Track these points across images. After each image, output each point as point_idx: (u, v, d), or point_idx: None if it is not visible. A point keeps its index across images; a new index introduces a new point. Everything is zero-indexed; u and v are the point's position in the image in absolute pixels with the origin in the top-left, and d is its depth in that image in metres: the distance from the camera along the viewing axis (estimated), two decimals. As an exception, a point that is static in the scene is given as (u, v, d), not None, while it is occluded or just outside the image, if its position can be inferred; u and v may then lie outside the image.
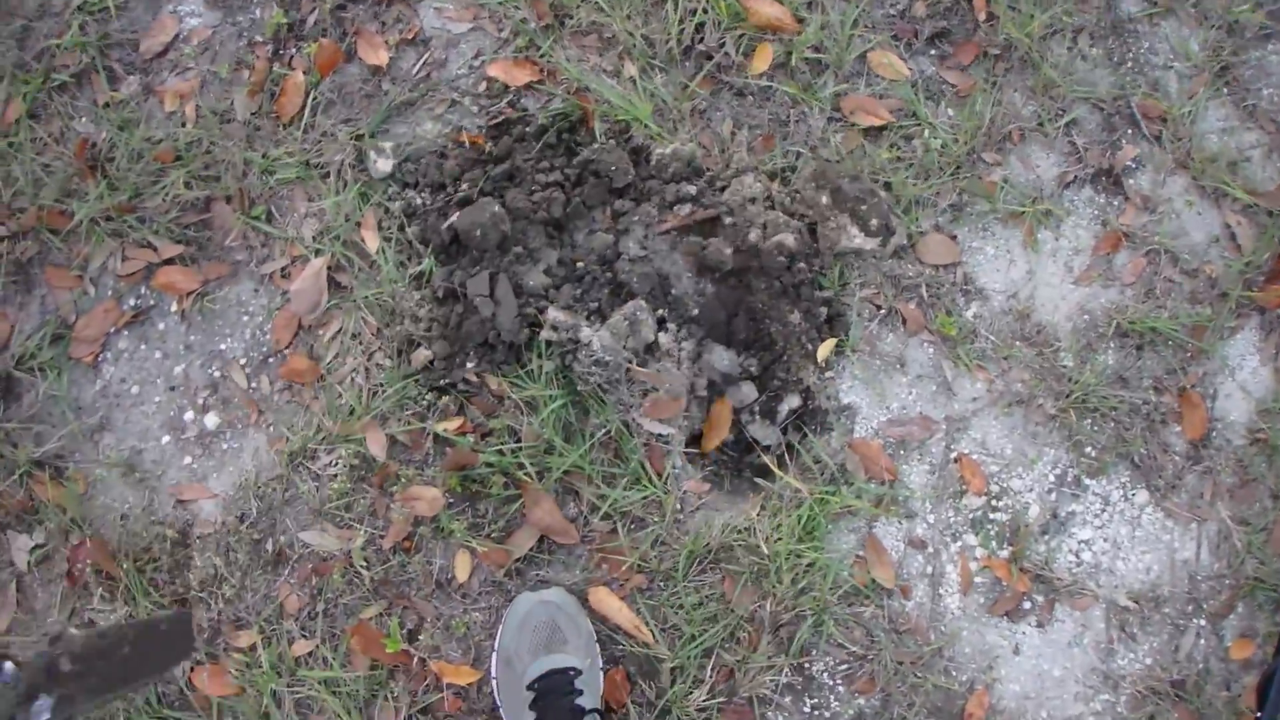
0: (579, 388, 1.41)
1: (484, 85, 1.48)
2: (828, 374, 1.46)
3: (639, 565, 1.43)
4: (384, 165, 1.44)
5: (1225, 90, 1.58)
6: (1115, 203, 1.54)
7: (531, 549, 1.43)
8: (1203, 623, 1.48)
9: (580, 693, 1.33)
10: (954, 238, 1.49)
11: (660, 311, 1.43)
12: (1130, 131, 1.55)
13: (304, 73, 1.49)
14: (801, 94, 1.51)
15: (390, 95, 1.49)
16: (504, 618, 1.40)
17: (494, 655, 1.40)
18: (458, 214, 1.40)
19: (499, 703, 1.40)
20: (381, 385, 1.43)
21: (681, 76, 1.50)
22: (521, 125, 1.46)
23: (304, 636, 1.43)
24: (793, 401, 1.47)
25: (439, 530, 1.43)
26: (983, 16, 1.53)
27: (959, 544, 1.46)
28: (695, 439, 1.50)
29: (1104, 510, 1.48)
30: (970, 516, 1.47)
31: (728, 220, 1.43)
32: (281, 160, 1.47)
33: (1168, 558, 1.48)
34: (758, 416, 1.48)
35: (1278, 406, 1.51)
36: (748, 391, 1.48)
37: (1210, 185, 1.54)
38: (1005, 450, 1.47)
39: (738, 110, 1.52)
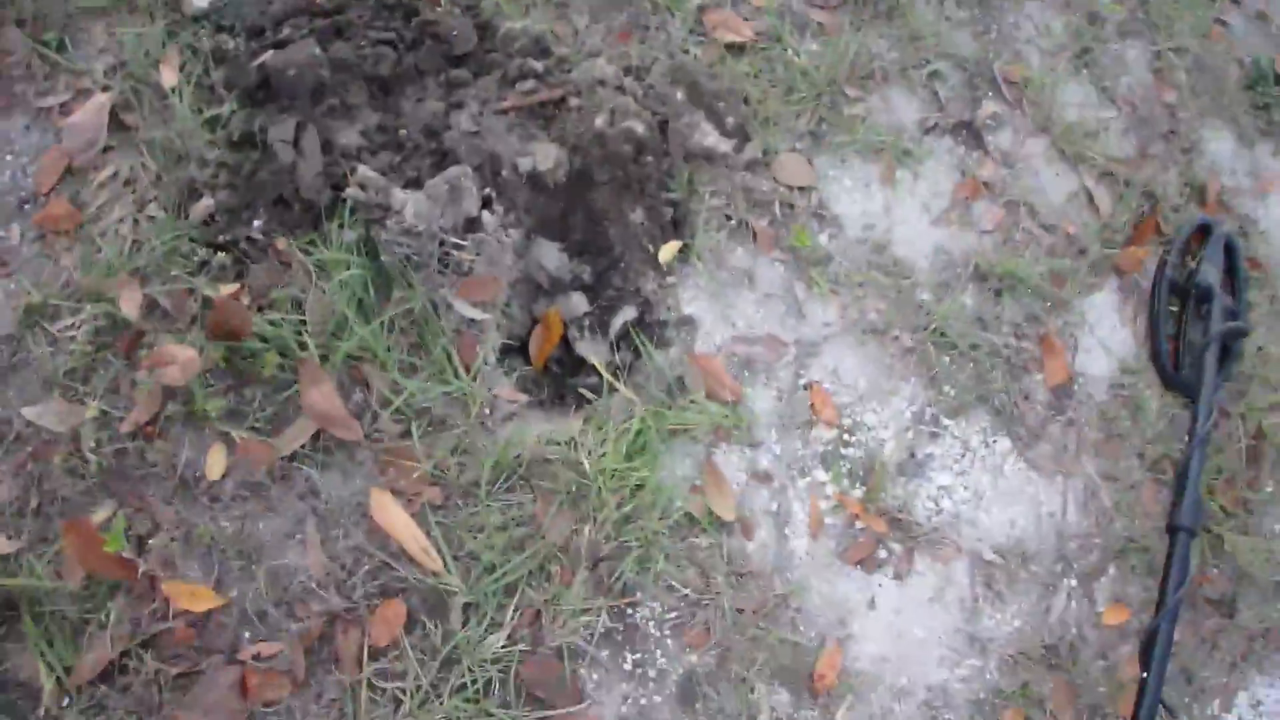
0: (383, 259, 1.24)
1: (326, -52, 1.41)
2: (669, 279, 1.34)
3: (434, 475, 1.22)
4: (200, 0, 1.32)
5: (1085, 71, 1.63)
6: (974, 155, 1.53)
7: (304, 446, 1.22)
8: (1074, 584, 1.34)
9: None
10: (810, 162, 1.45)
11: (487, 190, 1.31)
12: (991, 93, 1.57)
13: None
14: (665, 0, 1.49)
15: (221, -59, 1.40)
16: None
17: None
18: (271, 53, 1.28)
19: None
20: (150, 239, 1.25)
21: (540, -35, 1.47)
22: (359, -13, 1.39)
23: (7, 536, 1.16)
24: (628, 313, 1.34)
25: (192, 413, 1.20)
26: (850, -37, 1.57)
27: (808, 479, 1.31)
28: (514, 349, 1.35)
29: (964, 455, 1.36)
30: (820, 450, 1.33)
31: (573, 102, 1.34)
32: (86, -13, 1.34)
33: (1033, 511, 1.36)
34: (588, 332, 1.35)
35: (1139, 365, 1.47)
36: (578, 302, 1.34)
37: (1070, 149, 1.55)
38: (859, 382, 1.36)
39: (596, 6, 1.48)
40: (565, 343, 1.33)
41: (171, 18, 1.33)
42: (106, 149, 1.27)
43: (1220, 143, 1.67)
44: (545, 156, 1.31)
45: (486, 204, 1.27)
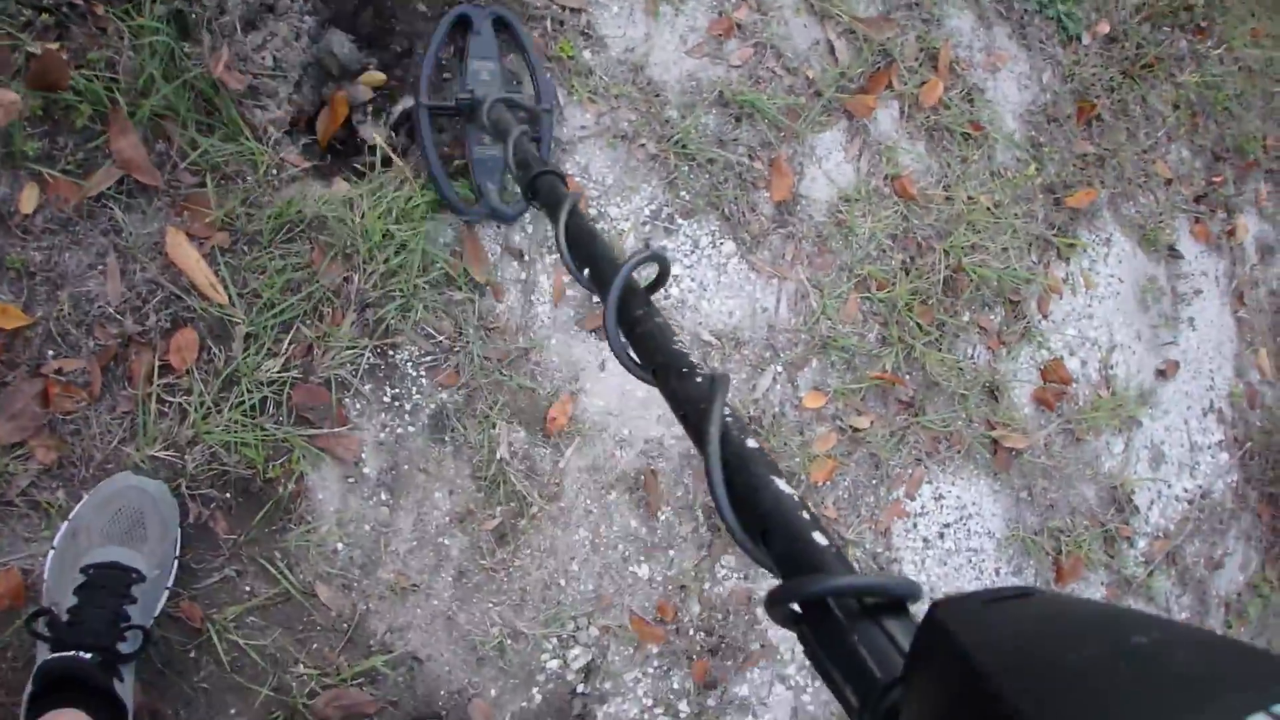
0: (191, 21, 1.63)
1: None
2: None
3: (224, 221, 1.62)
4: None
5: (839, -64, 2.13)
6: (732, 1, 2.01)
7: (110, 188, 1.59)
8: (779, 369, 1.85)
9: (133, 600, 1.30)
10: (583, -11, 1.89)
11: (287, -18, 1.70)
12: (753, -51, 2.04)
13: None
14: None
15: None
16: (93, 489, 1.40)
17: (65, 524, 1.38)
18: None
19: (47, 572, 1.40)
20: (-29, -4, 1.59)
21: None
22: None
23: None
24: (407, 102, 1.76)
25: (10, 154, 1.57)
26: None
27: (554, 257, 1.77)
28: (304, 127, 1.75)
29: (694, 251, 1.84)
30: (569, 234, 1.79)
31: (367, -88, 1.75)
32: None
33: (749, 305, 1.86)
34: (370, 117, 1.76)
35: (857, 196, 1.97)
36: (362, 91, 1.75)
37: (819, 5, 2.03)
38: (607, 179, 1.82)
39: None
40: (350, 126, 1.73)
41: None
42: (-71, -89, 1.59)
43: (961, 20, 2.19)
44: (340, -42, 1.69)
45: (282, -9, 1.65)
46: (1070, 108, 2.31)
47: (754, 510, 0.57)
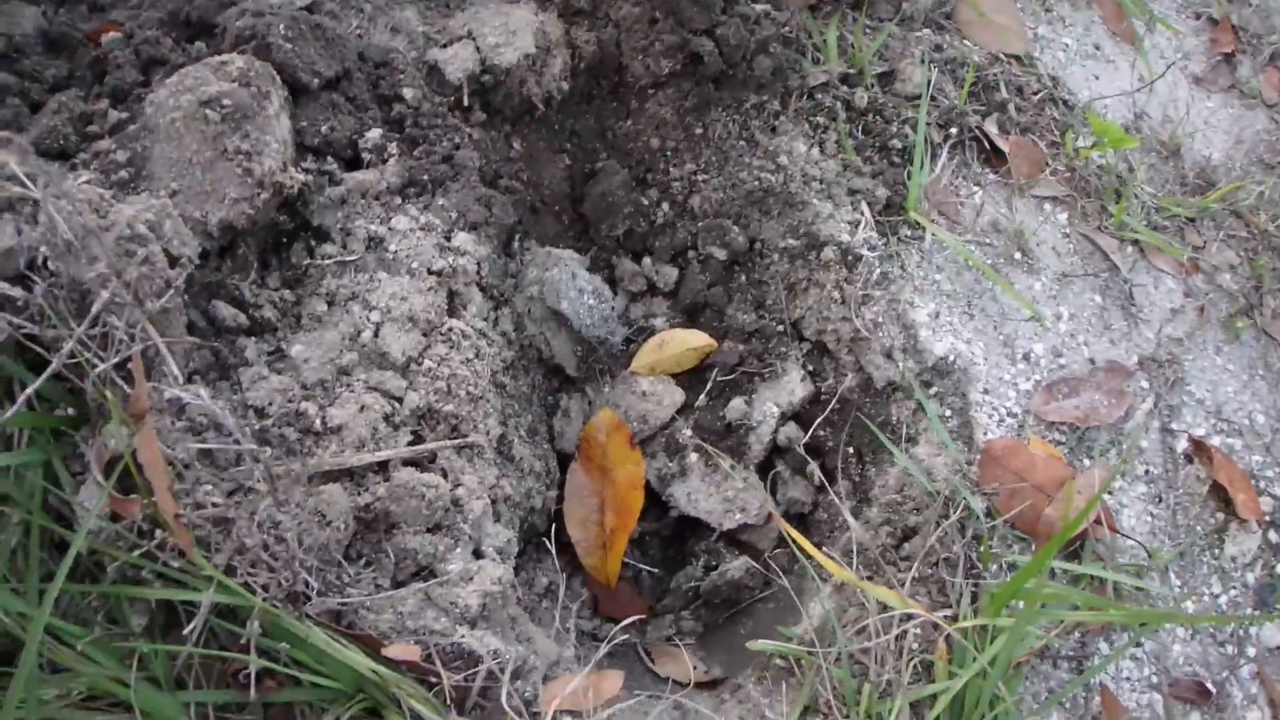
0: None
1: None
2: (853, 279, 0.67)
3: None
4: None
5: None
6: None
7: None
8: None
9: None
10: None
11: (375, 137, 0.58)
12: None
13: None
14: None
15: None
16: None
17: None
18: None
19: None
20: None
21: None
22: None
23: None
24: (789, 390, 0.66)
25: None
26: None
27: (1254, 657, 0.71)
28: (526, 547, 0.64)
29: None
30: (1254, 579, 0.74)
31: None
32: None
33: None
34: (693, 457, 0.64)
35: None
36: (668, 400, 0.65)
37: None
38: (1252, 413, 0.78)
39: None
40: (653, 499, 0.65)
41: None
42: None
43: None
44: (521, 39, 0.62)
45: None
46: None
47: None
